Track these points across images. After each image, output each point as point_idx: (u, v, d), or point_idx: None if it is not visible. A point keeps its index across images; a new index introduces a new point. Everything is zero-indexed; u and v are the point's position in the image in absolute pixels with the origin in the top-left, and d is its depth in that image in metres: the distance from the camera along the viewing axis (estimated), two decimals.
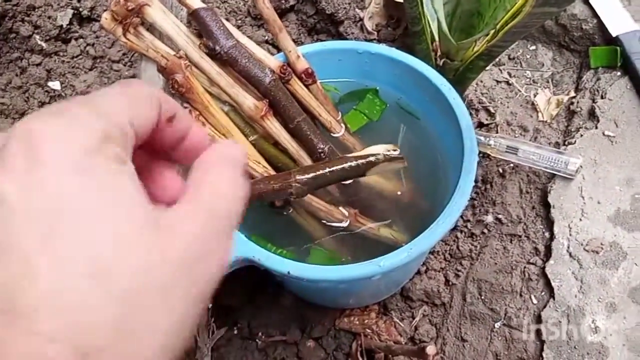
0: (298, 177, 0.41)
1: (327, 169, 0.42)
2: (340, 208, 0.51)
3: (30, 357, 0.15)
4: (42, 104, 0.71)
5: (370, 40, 0.72)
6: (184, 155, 0.25)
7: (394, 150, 0.47)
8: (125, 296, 0.17)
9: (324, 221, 0.51)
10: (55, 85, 0.71)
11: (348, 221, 0.51)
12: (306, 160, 0.49)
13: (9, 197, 0.17)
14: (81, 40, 0.72)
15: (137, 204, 0.19)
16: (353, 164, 0.42)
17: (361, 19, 0.73)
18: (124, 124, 0.20)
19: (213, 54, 0.44)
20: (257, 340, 0.58)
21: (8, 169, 0.18)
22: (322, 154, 0.49)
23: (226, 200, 0.22)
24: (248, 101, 0.45)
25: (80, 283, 0.17)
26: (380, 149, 0.46)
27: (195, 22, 0.44)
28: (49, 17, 0.70)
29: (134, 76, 0.71)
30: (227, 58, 0.44)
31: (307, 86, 0.50)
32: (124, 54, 0.72)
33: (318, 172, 0.42)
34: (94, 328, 0.16)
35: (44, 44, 0.71)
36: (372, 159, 0.42)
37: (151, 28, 0.45)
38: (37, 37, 0.70)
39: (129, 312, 0.17)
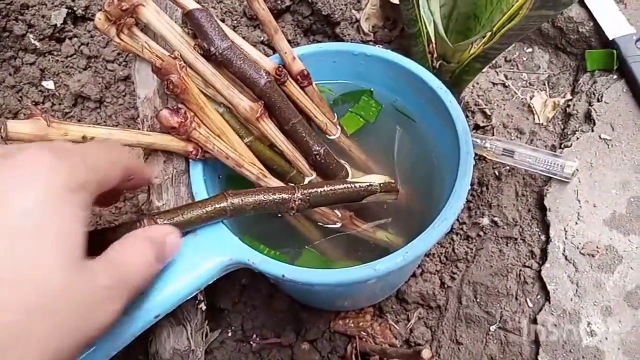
0: (301, 193, 0.42)
1: (330, 190, 0.44)
2: (336, 210, 0.50)
3: None
4: (35, 104, 0.71)
5: (367, 42, 0.72)
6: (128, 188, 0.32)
7: (391, 182, 0.48)
8: (29, 308, 0.21)
9: (319, 223, 0.51)
10: (49, 84, 0.71)
11: (342, 224, 0.51)
12: (302, 163, 0.49)
13: None
14: (75, 39, 0.72)
15: (76, 252, 0.23)
16: (353, 188, 0.45)
17: (357, 20, 0.72)
18: (100, 180, 0.26)
19: (208, 55, 0.44)
20: (251, 342, 0.58)
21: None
22: (317, 156, 0.48)
23: (127, 267, 0.26)
24: (244, 103, 0.44)
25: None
26: (378, 179, 0.47)
27: (190, 23, 0.43)
28: (43, 16, 0.69)
29: (128, 76, 0.71)
30: (222, 59, 0.43)
31: (302, 88, 0.50)
32: (118, 54, 0.72)
33: (321, 191, 0.43)
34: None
35: (37, 43, 0.70)
36: (370, 187, 0.46)
37: (145, 29, 0.45)
38: (31, 36, 0.70)
39: (27, 321, 0.21)
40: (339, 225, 0.51)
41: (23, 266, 0.21)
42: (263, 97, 0.45)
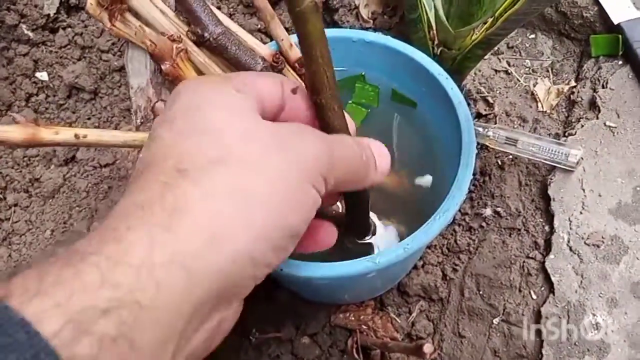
0: None
1: None
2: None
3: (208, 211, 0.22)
4: (29, 96, 0.69)
5: (366, 29, 0.70)
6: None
7: None
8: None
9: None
10: (42, 76, 0.69)
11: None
12: None
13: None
14: (69, 29, 0.70)
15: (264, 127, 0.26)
16: None
17: (356, 7, 0.71)
18: (266, 94, 0.28)
19: (202, 42, 0.42)
20: (250, 337, 0.57)
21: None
22: None
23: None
24: None
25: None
26: None
27: (182, 8, 0.42)
28: (36, 6, 0.68)
29: (123, 67, 0.69)
30: (216, 45, 0.42)
31: (300, 76, 0.48)
32: (113, 44, 0.71)
33: None
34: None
35: (30, 34, 0.69)
36: None
37: (138, 14, 0.44)
38: (24, 26, 0.68)
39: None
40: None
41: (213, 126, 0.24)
42: None
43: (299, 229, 0.25)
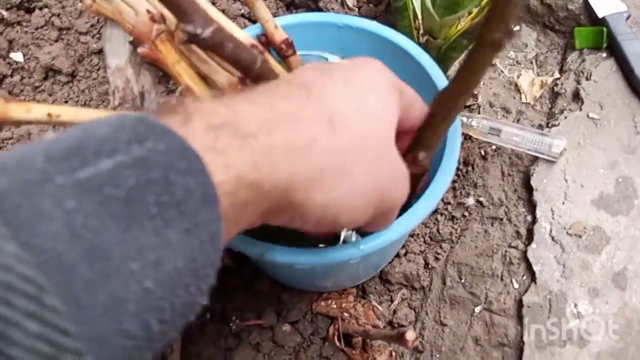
0: None
1: None
2: None
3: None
4: (3, 77, 0.67)
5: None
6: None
7: None
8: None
9: None
10: (17, 56, 0.67)
11: None
12: None
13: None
14: (46, 10, 0.68)
15: (394, 120, 0.30)
16: None
17: None
18: (409, 106, 0.32)
19: (194, 40, 0.39)
20: (231, 324, 0.56)
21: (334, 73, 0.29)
22: None
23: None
24: (221, 78, 0.42)
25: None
26: None
27: (168, 4, 0.39)
28: None
29: (102, 50, 0.67)
30: (212, 43, 0.39)
31: (286, 57, 0.47)
32: (92, 26, 0.69)
33: None
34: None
35: (5, 13, 0.66)
36: None
37: None
38: None
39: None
40: None
41: (366, 106, 0.28)
42: (259, 79, 0.41)
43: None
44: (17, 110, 0.33)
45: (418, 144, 0.33)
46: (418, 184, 0.34)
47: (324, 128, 0.26)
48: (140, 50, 0.38)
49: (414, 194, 0.39)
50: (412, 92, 0.33)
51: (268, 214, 0.25)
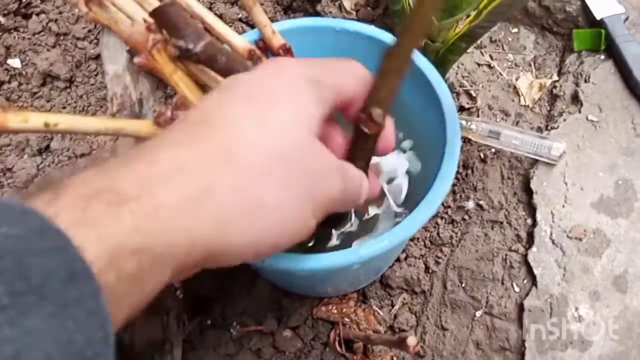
0: None
1: None
2: None
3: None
4: (1, 83, 0.67)
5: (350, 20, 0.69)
6: None
7: None
8: (269, 152, 0.26)
9: None
10: (15, 62, 0.67)
11: None
12: None
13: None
14: (43, 15, 0.68)
15: (311, 126, 0.28)
16: None
17: None
18: (336, 83, 0.29)
19: (186, 56, 0.38)
20: (231, 330, 0.56)
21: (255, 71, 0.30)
22: None
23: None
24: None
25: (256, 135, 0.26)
26: None
27: (160, 22, 0.38)
28: None
29: (99, 55, 0.67)
30: (204, 58, 0.39)
31: None
32: (89, 31, 0.69)
33: None
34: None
35: (2, 19, 0.66)
36: None
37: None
38: None
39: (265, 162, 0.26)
40: None
41: (269, 121, 0.26)
42: None
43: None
44: (14, 120, 0.33)
45: (372, 100, 0.31)
46: (376, 143, 0.33)
47: (221, 168, 0.24)
48: (136, 60, 0.38)
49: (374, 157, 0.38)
50: (336, 72, 0.30)
51: (187, 269, 0.24)
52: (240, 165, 0.25)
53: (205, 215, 0.23)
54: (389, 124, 0.33)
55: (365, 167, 0.34)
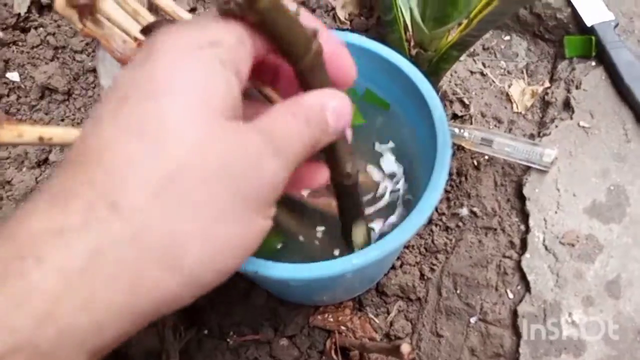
0: None
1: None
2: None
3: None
4: (0, 97, 0.68)
5: (343, 30, 0.70)
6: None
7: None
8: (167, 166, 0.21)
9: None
10: (13, 76, 0.68)
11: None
12: None
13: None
14: (41, 29, 0.69)
15: (213, 101, 0.22)
16: None
17: (333, 8, 0.71)
18: (235, 38, 0.23)
19: None
20: (228, 340, 0.57)
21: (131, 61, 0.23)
22: None
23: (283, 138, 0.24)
24: None
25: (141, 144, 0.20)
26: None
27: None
28: (5, 5, 0.66)
29: (95, 68, 0.68)
30: None
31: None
32: (87, 44, 0.69)
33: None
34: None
35: (1, 33, 0.67)
36: None
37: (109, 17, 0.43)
38: None
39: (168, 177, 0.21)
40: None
41: (152, 125, 0.21)
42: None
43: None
44: (8, 135, 0.33)
45: (339, 164, 0.32)
46: (356, 190, 0.33)
47: (103, 225, 0.19)
48: None
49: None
50: (234, 35, 0.23)
51: (120, 337, 0.21)
52: (130, 204, 0.20)
53: (99, 282, 0.19)
54: (339, 51, 0.29)
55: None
